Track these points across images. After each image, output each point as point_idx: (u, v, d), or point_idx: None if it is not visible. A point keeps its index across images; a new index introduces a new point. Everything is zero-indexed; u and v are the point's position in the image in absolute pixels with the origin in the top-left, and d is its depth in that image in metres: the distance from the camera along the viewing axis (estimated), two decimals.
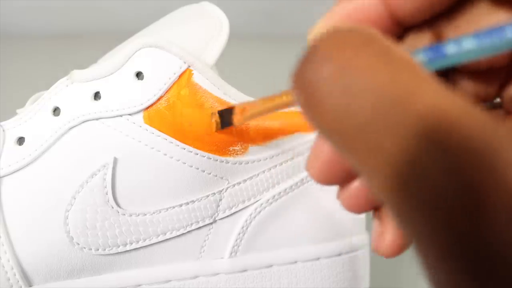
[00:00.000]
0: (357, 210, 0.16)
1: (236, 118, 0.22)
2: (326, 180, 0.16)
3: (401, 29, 0.15)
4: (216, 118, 0.23)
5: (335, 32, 0.12)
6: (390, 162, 0.11)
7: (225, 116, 0.23)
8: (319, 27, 0.15)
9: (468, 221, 0.10)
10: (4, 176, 0.24)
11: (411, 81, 0.11)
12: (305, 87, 0.12)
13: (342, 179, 0.16)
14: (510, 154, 0.10)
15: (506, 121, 0.15)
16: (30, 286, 0.24)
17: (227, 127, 0.23)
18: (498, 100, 0.16)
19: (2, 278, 0.23)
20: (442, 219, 0.10)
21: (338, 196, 0.16)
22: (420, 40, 0.15)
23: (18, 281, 0.23)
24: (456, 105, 0.10)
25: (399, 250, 0.16)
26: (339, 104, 0.11)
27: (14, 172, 0.24)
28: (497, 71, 0.15)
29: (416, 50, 0.13)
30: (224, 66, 0.26)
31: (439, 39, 0.15)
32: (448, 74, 0.15)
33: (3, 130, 0.25)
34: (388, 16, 0.15)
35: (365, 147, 0.11)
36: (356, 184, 0.16)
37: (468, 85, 0.15)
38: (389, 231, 0.16)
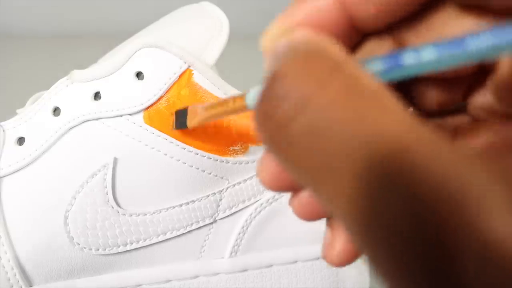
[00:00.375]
0: (309, 218, 0.16)
1: (190, 121, 0.22)
2: (276, 187, 0.15)
3: (359, 35, 0.15)
4: (172, 117, 0.23)
5: (295, 55, 0.11)
6: (352, 205, 0.10)
7: (181, 117, 0.22)
8: (274, 31, 0.14)
9: (429, 272, 0.09)
10: (4, 176, 0.24)
11: (378, 117, 0.10)
12: (267, 124, 0.12)
13: (293, 187, 0.15)
14: (480, 189, 0.09)
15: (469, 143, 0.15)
16: (31, 286, 0.24)
17: (182, 128, 0.23)
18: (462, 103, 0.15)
19: (3, 278, 0.23)
20: (400, 262, 0.10)
21: (289, 203, 0.16)
22: (380, 47, 0.15)
23: (18, 281, 0.23)
24: (418, 138, 0.10)
25: (348, 260, 0.15)
26: (302, 143, 0.11)
27: (14, 172, 0.24)
28: (462, 79, 0.15)
29: (372, 59, 0.13)
30: (224, 66, 0.26)
31: (400, 46, 0.14)
32: (411, 82, 0.15)
33: (3, 130, 0.25)
34: (346, 21, 0.14)
35: (330, 186, 0.11)
36: (307, 193, 0.15)
37: (431, 92, 0.15)
38: (339, 240, 0.15)
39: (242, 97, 0.17)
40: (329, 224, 0.16)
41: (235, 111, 0.17)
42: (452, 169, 0.09)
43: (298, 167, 0.11)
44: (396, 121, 0.10)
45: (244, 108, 0.17)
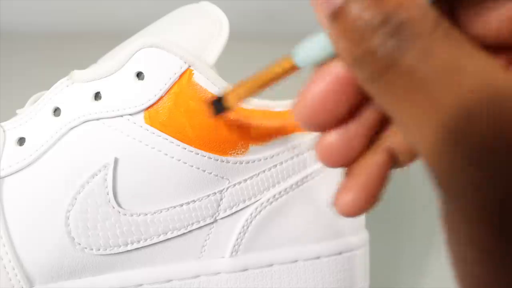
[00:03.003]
0: (332, 163, 0.16)
1: (229, 102, 0.21)
2: (309, 122, 0.15)
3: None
4: (209, 106, 0.22)
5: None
6: (446, 113, 0.12)
7: (218, 104, 0.21)
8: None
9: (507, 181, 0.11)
10: (5, 176, 0.24)
11: (479, 67, 0.12)
12: (368, 60, 0.13)
13: (324, 125, 0.15)
14: None
15: None
16: (32, 286, 0.24)
17: (223, 112, 0.22)
18: None
19: (4, 279, 0.23)
20: (482, 175, 0.11)
21: (315, 146, 0.16)
22: None
23: (19, 282, 0.23)
24: (504, 78, 0.12)
25: (357, 211, 0.16)
26: (403, 82, 0.12)
27: (15, 172, 0.24)
28: (505, 50, 0.15)
29: None
30: (224, 66, 0.26)
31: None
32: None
33: (4, 131, 0.25)
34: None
35: (426, 99, 0.12)
36: (335, 136, 0.16)
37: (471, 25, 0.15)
38: (353, 190, 0.16)
39: (287, 58, 0.16)
40: (348, 172, 0.16)
41: (284, 74, 0.17)
42: None
43: (395, 101, 0.13)
44: (498, 72, 0.12)
45: (293, 69, 0.16)
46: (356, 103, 0.15)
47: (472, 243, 0.11)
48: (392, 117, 0.13)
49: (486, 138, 0.11)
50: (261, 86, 0.18)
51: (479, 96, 0.11)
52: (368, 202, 0.16)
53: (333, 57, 0.15)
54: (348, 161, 0.16)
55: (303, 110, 0.15)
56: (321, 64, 0.15)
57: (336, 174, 0.26)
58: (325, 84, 0.15)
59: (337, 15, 0.13)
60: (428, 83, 0.12)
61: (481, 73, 0.12)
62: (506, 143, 0.11)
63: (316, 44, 0.15)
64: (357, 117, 0.16)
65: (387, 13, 0.12)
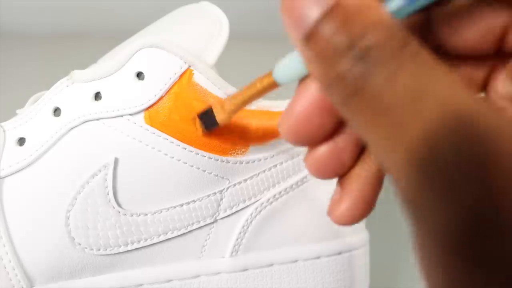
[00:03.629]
0: (322, 175, 0.16)
1: (219, 117, 0.21)
2: (296, 139, 0.15)
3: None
4: (198, 122, 0.23)
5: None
6: (411, 141, 0.12)
7: (207, 118, 0.22)
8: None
9: (477, 196, 0.11)
10: (5, 176, 0.24)
11: (446, 89, 0.12)
12: (337, 86, 0.13)
13: (312, 140, 0.16)
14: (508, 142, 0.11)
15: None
16: (32, 286, 0.24)
17: (213, 128, 0.22)
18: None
19: (4, 279, 0.23)
20: (452, 198, 0.11)
21: (305, 160, 0.16)
22: None
23: (19, 282, 0.23)
24: (468, 101, 0.12)
25: (352, 220, 0.16)
26: (378, 86, 0.12)
27: (15, 172, 0.24)
28: (482, 61, 0.15)
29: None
30: (224, 66, 0.26)
31: None
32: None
33: (4, 131, 0.25)
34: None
35: (391, 124, 0.12)
36: (323, 149, 0.16)
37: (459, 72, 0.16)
38: (346, 199, 0.16)
39: (268, 75, 0.17)
40: (340, 183, 0.16)
41: (265, 90, 0.18)
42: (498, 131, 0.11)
43: (362, 122, 0.13)
44: (462, 95, 0.12)
45: (273, 85, 0.17)
46: (341, 117, 0.15)
47: (438, 266, 0.11)
48: (363, 139, 0.13)
49: (448, 163, 0.11)
50: (245, 101, 0.19)
51: (441, 122, 0.11)
52: (363, 210, 0.16)
53: (304, 76, 0.15)
54: (338, 173, 0.16)
55: (288, 127, 0.15)
56: (302, 79, 0.16)
57: None
58: (307, 101, 0.15)
59: (308, 38, 0.13)
60: (393, 108, 0.12)
61: (444, 97, 0.12)
62: (465, 165, 0.11)
63: (294, 62, 0.16)
64: (344, 129, 0.16)
65: (354, 37, 0.12)
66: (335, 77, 0.13)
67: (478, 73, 0.16)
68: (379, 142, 0.13)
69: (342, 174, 0.16)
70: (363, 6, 0.12)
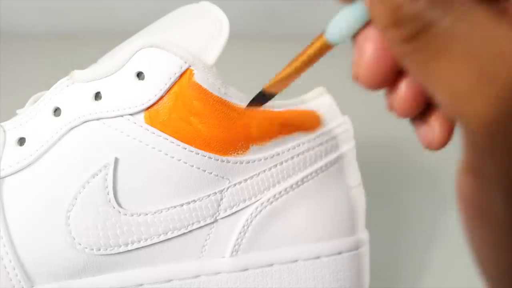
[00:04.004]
0: (408, 114, 0.17)
1: (272, 90, 0.20)
2: (372, 82, 0.16)
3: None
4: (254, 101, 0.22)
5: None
6: (498, 88, 0.12)
7: (261, 96, 0.21)
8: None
9: None
10: (5, 176, 0.24)
11: None
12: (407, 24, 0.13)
13: (389, 81, 0.16)
14: None
15: None
16: (32, 286, 0.24)
17: (267, 101, 0.21)
18: None
19: (4, 278, 0.23)
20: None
21: (388, 104, 0.17)
22: None
23: (20, 282, 0.23)
24: None
25: (447, 141, 0.17)
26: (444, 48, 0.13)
27: (15, 172, 0.24)
28: None
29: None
30: (224, 66, 0.26)
31: None
32: None
33: (4, 131, 0.25)
34: None
35: (460, 57, 0.13)
36: (403, 88, 0.16)
37: None
38: (437, 127, 0.17)
39: (319, 37, 0.17)
40: (423, 117, 0.17)
41: (317, 55, 0.17)
42: None
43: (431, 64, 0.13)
44: None
45: (326, 47, 0.17)
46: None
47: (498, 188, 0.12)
48: (422, 78, 0.14)
49: None
50: (298, 70, 0.18)
51: None
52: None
53: (362, 28, 0.16)
54: (422, 108, 0.17)
55: (365, 75, 0.16)
56: (353, 37, 0.16)
57: (336, 175, 0.26)
58: (374, 46, 0.16)
59: None
60: (463, 39, 0.13)
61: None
62: None
63: (345, 20, 0.16)
64: None
65: None
66: (407, 15, 0.13)
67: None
68: (443, 78, 0.13)
69: (425, 110, 0.17)
70: None
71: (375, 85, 0.16)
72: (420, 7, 0.13)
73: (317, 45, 0.17)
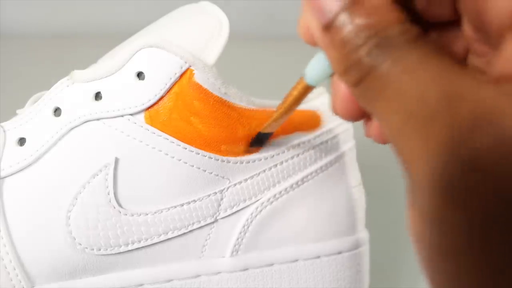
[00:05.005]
0: (385, 141, 0.18)
1: (267, 129, 0.24)
2: (348, 115, 0.18)
3: None
4: (253, 142, 0.25)
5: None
6: (409, 107, 0.14)
7: (258, 139, 0.25)
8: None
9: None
10: (6, 176, 0.24)
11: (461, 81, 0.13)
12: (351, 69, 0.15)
13: (362, 114, 0.18)
14: None
15: None
16: (33, 286, 0.24)
17: (266, 140, 0.25)
18: None
19: (5, 278, 0.23)
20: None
21: (366, 131, 0.19)
22: None
23: (20, 282, 0.23)
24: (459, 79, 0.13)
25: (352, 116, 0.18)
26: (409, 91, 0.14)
27: (16, 173, 0.24)
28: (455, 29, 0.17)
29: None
30: (224, 66, 0.26)
31: None
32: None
33: (4, 131, 0.25)
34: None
35: (393, 95, 0.14)
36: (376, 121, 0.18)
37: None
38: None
39: (300, 81, 0.19)
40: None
41: (301, 95, 0.20)
42: None
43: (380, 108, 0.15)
44: (478, 88, 0.13)
45: (308, 89, 0.19)
46: None
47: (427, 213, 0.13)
48: (372, 115, 0.16)
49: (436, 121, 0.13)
50: (286, 111, 0.21)
51: (439, 90, 0.13)
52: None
53: (332, 73, 0.18)
54: None
55: (339, 111, 0.18)
56: (332, 75, 0.18)
57: (336, 174, 0.27)
58: (343, 90, 0.17)
59: (328, 28, 0.15)
60: (395, 82, 0.14)
61: (439, 76, 0.13)
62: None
63: (319, 64, 0.18)
64: None
65: (375, 29, 0.14)
66: (353, 62, 0.15)
67: (458, 43, 0.17)
68: (383, 113, 0.14)
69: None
70: (380, 4, 0.14)
71: (351, 118, 0.18)
72: (362, 55, 0.14)
73: (299, 88, 0.19)
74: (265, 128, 0.24)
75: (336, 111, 0.18)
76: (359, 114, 0.18)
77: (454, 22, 0.16)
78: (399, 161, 0.14)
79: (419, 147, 0.13)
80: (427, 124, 0.13)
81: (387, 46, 0.14)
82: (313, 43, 0.17)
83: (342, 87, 0.17)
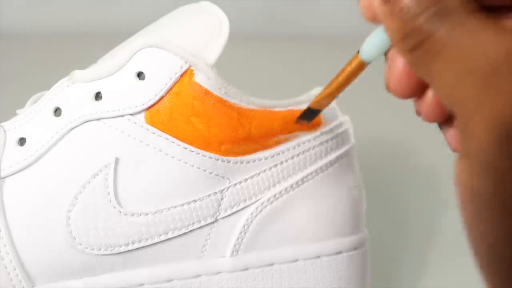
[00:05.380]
0: (433, 119, 0.19)
1: (317, 107, 0.23)
2: (401, 92, 0.18)
3: None
4: (301, 118, 0.25)
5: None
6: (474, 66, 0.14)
7: (308, 113, 0.24)
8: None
9: None
10: (6, 177, 0.24)
11: None
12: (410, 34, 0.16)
13: (416, 91, 0.18)
14: None
15: None
16: (33, 286, 0.24)
17: (314, 118, 0.25)
18: None
19: (5, 279, 0.23)
20: None
21: (416, 109, 0.19)
22: None
23: (20, 282, 0.23)
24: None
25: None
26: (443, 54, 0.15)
27: (16, 173, 0.24)
28: None
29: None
30: (224, 66, 0.26)
31: None
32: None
33: (4, 131, 0.25)
34: None
35: (453, 58, 0.15)
36: (429, 96, 0.18)
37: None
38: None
39: (355, 57, 0.19)
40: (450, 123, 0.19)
41: (354, 72, 0.20)
42: None
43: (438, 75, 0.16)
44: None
45: (362, 65, 0.19)
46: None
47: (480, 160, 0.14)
48: (426, 78, 0.16)
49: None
50: (339, 87, 0.21)
51: (502, 46, 0.14)
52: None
53: (389, 47, 0.18)
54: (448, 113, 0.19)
55: (394, 87, 0.18)
56: (385, 54, 0.18)
57: (336, 174, 0.27)
58: (400, 64, 0.18)
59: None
60: (454, 43, 0.15)
61: (501, 37, 0.15)
62: None
63: (376, 40, 0.18)
64: None
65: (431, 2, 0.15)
66: (412, 29, 0.16)
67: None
68: (442, 82, 0.15)
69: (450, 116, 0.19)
70: None
71: (405, 95, 0.19)
72: (421, 21, 0.15)
73: (354, 64, 0.20)
74: (313, 105, 0.23)
75: (389, 88, 0.19)
76: (413, 91, 0.18)
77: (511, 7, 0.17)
78: (456, 115, 0.15)
79: (478, 100, 0.15)
80: (488, 79, 0.14)
81: (446, 14, 0.15)
82: (373, 19, 0.17)
83: (398, 63, 0.18)
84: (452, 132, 0.19)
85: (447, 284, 0.33)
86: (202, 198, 0.24)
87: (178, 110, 0.24)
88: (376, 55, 0.19)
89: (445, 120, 0.19)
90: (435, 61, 0.16)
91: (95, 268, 0.24)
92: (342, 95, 0.22)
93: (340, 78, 0.21)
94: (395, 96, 0.19)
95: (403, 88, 0.18)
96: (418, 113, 0.19)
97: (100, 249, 0.24)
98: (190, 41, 0.24)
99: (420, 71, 0.16)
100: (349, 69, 0.20)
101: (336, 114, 0.27)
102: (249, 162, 0.25)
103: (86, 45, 0.44)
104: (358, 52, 0.19)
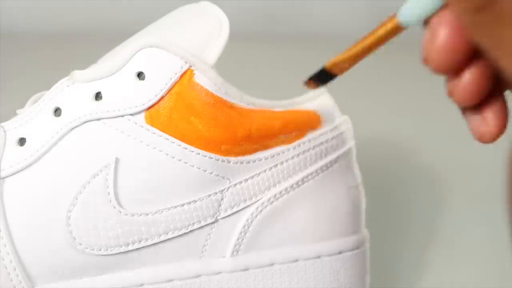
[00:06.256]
0: (466, 101, 0.17)
1: (336, 70, 0.20)
2: (442, 66, 0.17)
3: None
4: (314, 79, 0.21)
5: None
6: None
7: (323, 75, 0.20)
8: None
9: None
10: (6, 177, 0.24)
11: None
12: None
13: (457, 66, 0.17)
14: None
15: None
16: (33, 286, 0.24)
17: (329, 82, 0.20)
18: None
19: (5, 279, 0.23)
20: None
21: (448, 90, 0.18)
22: None
23: (20, 282, 0.23)
24: None
25: (499, 135, 0.18)
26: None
27: (16, 173, 0.24)
28: None
29: None
30: (224, 66, 0.26)
31: None
32: None
33: (4, 131, 0.25)
34: None
35: None
36: (467, 76, 0.17)
37: None
38: (491, 120, 0.18)
39: (391, 18, 0.17)
40: (479, 108, 0.18)
41: (387, 36, 0.17)
42: None
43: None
44: None
45: (397, 29, 0.17)
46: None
47: None
48: (488, 45, 0.15)
49: None
50: (365, 51, 0.18)
51: None
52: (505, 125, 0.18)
53: (435, 10, 0.16)
54: (480, 98, 0.17)
55: (436, 57, 0.17)
56: (425, 20, 0.16)
57: (336, 174, 0.27)
58: (447, 30, 0.16)
59: None
60: None
61: None
62: None
63: (419, 2, 0.16)
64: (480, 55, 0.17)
65: None
66: None
67: None
68: (503, 45, 0.14)
69: (481, 100, 0.18)
70: None
71: (444, 70, 0.17)
72: None
73: (389, 26, 0.17)
74: (331, 66, 0.20)
75: (428, 60, 0.17)
76: (454, 65, 0.17)
77: None
78: None
79: None
80: None
81: None
82: None
83: (443, 32, 0.16)
84: (479, 120, 0.18)
85: (447, 284, 0.33)
86: (202, 198, 0.24)
87: (178, 110, 0.24)
88: (418, 17, 0.16)
89: (476, 105, 0.18)
90: (503, 27, 0.14)
91: (95, 268, 0.24)
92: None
93: (369, 41, 0.18)
94: (431, 71, 0.17)
95: (444, 61, 0.16)
96: (450, 94, 0.18)
97: (100, 249, 0.24)
98: (190, 41, 0.24)
99: (483, 36, 0.15)
100: (381, 32, 0.17)
101: (336, 114, 0.27)
102: (249, 162, 0.25)
103: (86, 45, 0.44)
104: (395, 14, 0.17)
